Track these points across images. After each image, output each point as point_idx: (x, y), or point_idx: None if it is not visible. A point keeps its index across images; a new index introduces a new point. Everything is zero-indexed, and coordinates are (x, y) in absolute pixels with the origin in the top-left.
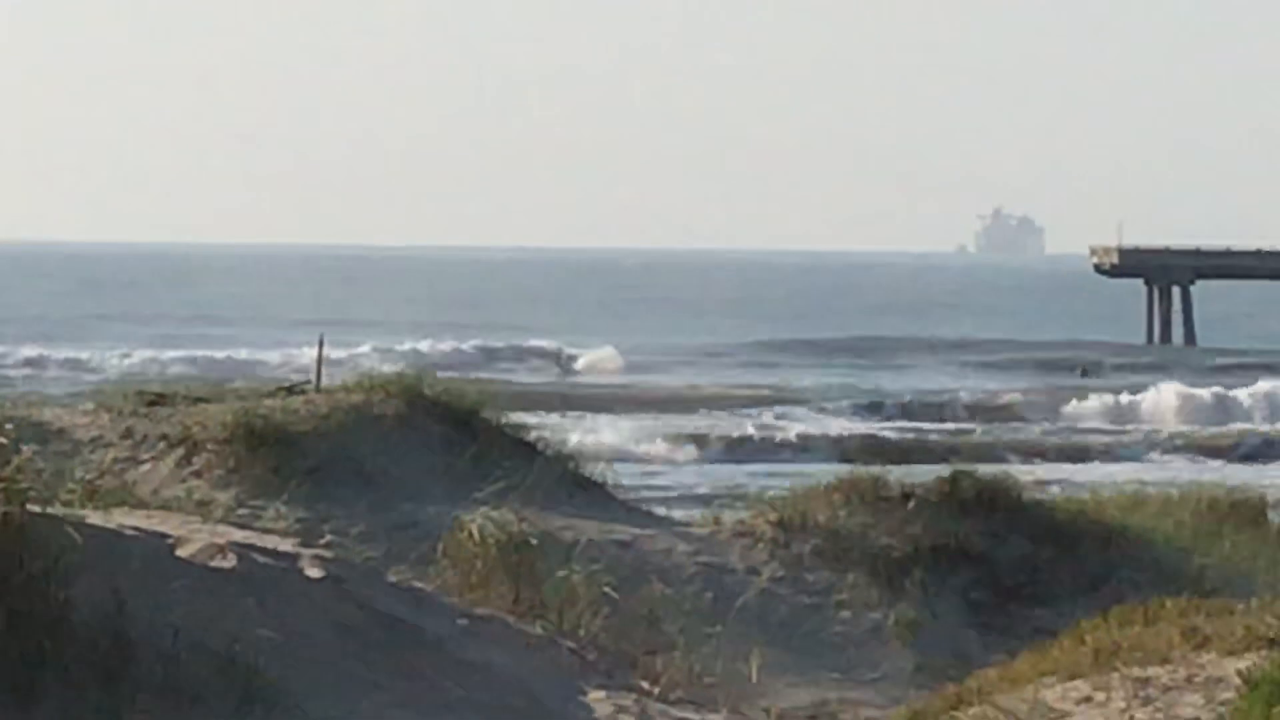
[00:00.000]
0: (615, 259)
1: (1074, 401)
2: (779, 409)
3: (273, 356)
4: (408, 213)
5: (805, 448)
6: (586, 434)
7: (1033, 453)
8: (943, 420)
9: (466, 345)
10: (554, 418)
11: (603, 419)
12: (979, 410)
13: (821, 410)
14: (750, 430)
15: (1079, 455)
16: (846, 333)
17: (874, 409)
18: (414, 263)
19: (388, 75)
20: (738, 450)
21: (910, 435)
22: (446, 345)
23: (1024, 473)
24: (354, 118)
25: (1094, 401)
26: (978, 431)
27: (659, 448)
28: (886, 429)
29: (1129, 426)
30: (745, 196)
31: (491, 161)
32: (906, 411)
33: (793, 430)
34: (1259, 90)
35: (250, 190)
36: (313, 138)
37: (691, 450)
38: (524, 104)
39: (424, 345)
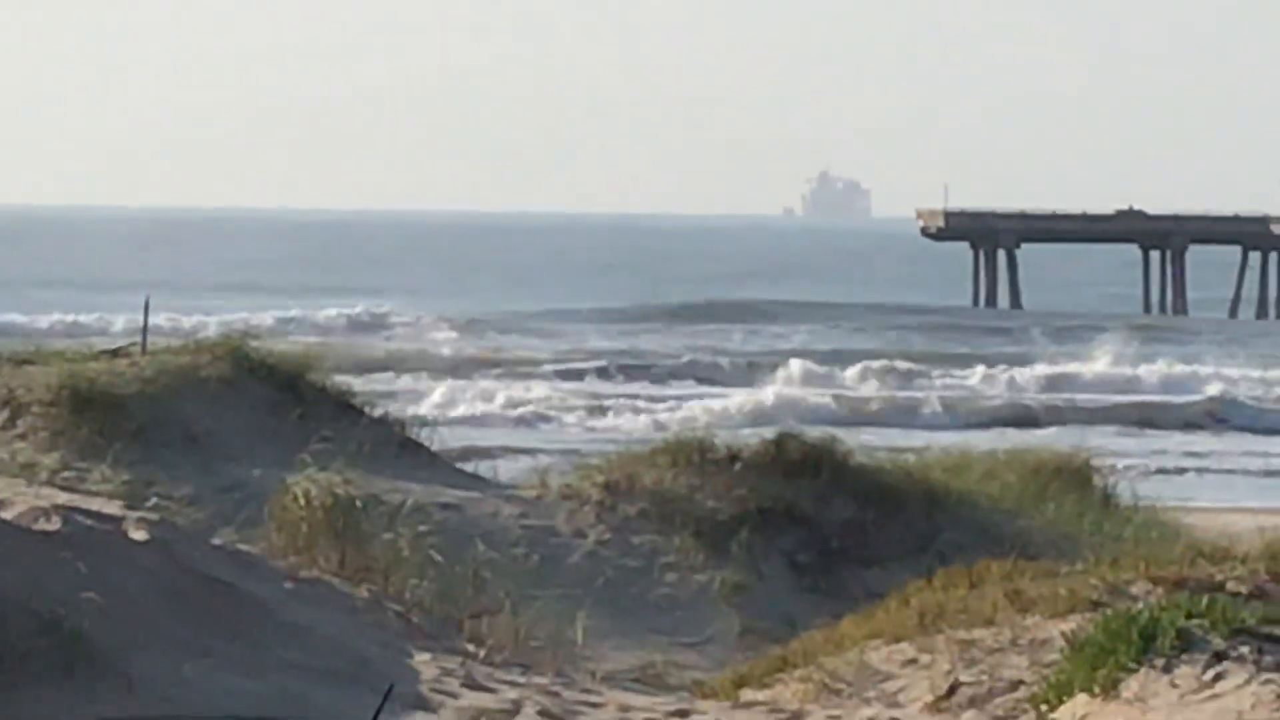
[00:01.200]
0: (452, 221)
1: (900, 363)
2: (610, 369)
3: (103, 320)
4: (237, 176)
5: (637, 411)
6: (415, 396)
7: (860, 416)
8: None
9: (297, 308)
10: (382, 380)
11: (432, 382)
12: (813, 373)
13: (652, 374)
14: (581, 394)
15: (907, 419)
16: (682, 297)
17: (708, 371)
18: (246, 224)
19: (229, 37)
20: (568, 414)
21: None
22: (277, 307)
23: (850, 435)
24: (195, 79)
25: (924, 367)
26: (810, 394)
27: (487, 410)
28: (721, 391)
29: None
30: (566, 159)
31: (334, 122)
32: (740, 375)
33: (623, 393)
34: (1086, 53)
35: (89, 152)
36: (154, 100)
37: (520, 412)
38: (362, 66)
39: (252, 307)
